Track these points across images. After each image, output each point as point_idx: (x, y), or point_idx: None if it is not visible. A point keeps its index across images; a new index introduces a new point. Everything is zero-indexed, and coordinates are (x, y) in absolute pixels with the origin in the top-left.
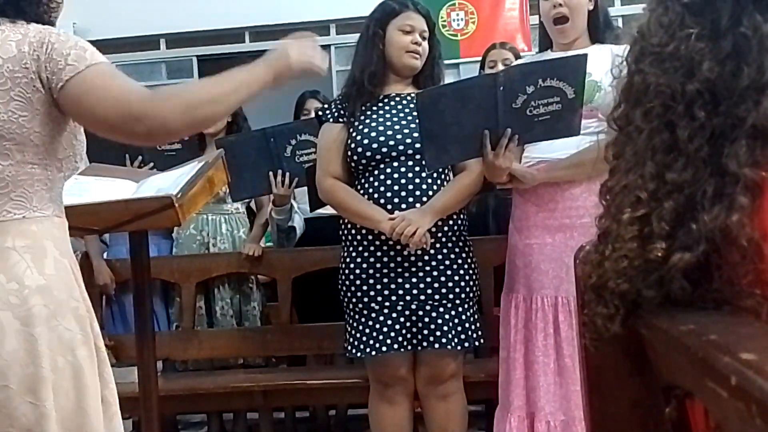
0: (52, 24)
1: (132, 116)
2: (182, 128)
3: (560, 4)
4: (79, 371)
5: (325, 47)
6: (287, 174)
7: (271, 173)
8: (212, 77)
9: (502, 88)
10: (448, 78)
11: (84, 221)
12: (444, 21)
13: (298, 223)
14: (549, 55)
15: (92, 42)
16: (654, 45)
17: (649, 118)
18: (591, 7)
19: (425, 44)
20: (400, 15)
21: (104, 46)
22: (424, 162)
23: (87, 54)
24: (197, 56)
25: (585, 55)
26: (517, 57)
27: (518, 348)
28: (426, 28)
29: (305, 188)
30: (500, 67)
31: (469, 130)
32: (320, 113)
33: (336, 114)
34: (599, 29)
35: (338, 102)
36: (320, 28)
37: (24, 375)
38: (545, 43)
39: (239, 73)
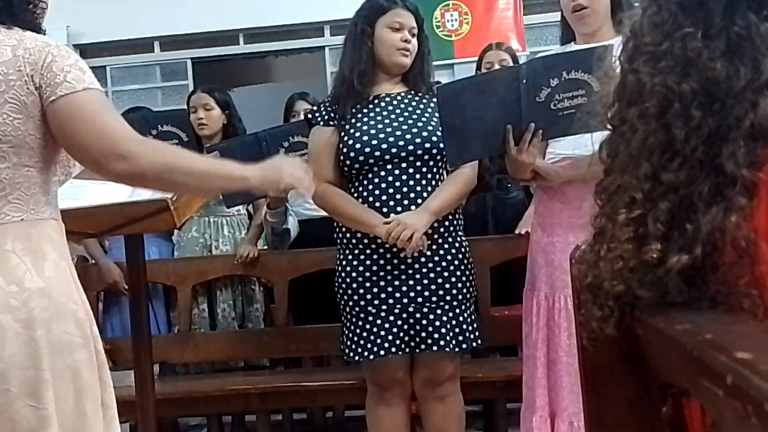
0: (40, 27)
1: (116, 154)
2: (153, 183)
3: None
4: (78, 375)
5: (319, 48)
6: None
7: None
8: (206, 158)
9: (525, 81)
10: (442, 79)
11: (80, 225)
12: (438, 21)
13: (292, 225)
14: (572, 47)
15: (86, 45)
16: (647, 44)
17: (644, 119)
18: None
19: (414, 41)
20: (388, 12)
21: (98, 49)
22: (441, 156)
23: (86, 77)
24: (191, 58)
25: (611, 46)
26: (514, 58)
27: (540, 347)
28: (415, 25)
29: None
30: (497, 68)
31: (492, 125)
32: (310, 116)
33: (326, 117)
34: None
35: (328, 104)
36: (314, 29)
37: (24, 378)
38: (568, 36)
39: (230, 164)
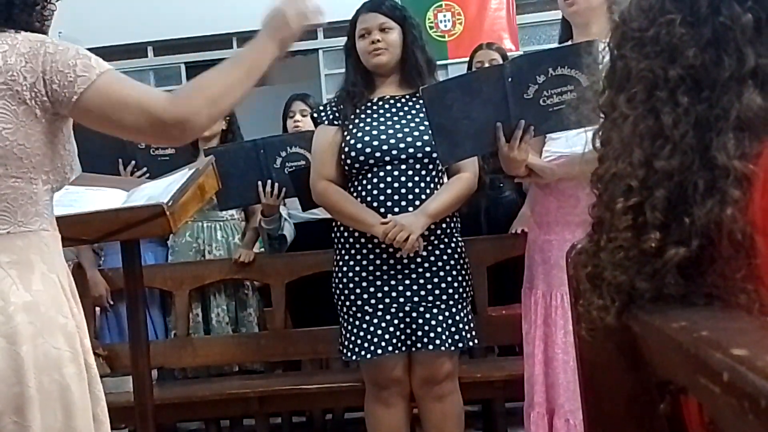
0: (45, 32)
1: (165, 123)
2: (209, 123)
3: None
4: (66, 390)
5: (313, 51)
6: (275, 184)
7: (259, 183)
8: (224, 64)
9: (510, 79)
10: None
11: (75, 231)
12: (431, 22)
13: (288, 230)
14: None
15: None
16: (635, 30)
17: (633, 105)
18: None
19: (390, 36)
20: (357, 22)
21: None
22: (436, 157)
23: (92, 62)
24: (185, 63)
25: (595, 41)
26: (504, 57)
27: (538, 344)
28: (383, 21)
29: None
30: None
31: (481, 124)
32: (316, 115)
33: (331, 116)
34: None
35: (333, 104)
36: (307, 32)
37: (10, 394)
38: (566, 35)
39: (248, 53)
